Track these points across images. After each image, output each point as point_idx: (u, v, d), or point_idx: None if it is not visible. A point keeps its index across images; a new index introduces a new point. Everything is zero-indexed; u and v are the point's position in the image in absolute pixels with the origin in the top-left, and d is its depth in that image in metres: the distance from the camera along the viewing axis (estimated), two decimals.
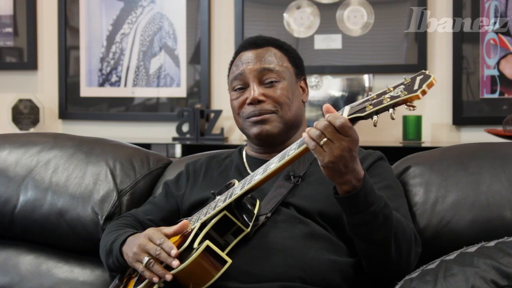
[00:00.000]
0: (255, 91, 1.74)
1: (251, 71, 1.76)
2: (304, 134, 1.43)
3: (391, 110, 1.34)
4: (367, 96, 1.39)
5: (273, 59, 1.78)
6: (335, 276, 1.57)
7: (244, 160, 1.84)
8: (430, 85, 1.32)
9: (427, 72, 1.35)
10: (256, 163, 1.77)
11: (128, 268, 1.70)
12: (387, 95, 1.34)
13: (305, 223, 1.62)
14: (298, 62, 1.84)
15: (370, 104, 1.36)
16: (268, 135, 1.74)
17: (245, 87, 1.77)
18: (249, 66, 1.76)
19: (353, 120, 1.40)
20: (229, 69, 1.86)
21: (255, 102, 1.73)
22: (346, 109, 1.41)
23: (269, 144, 1.78)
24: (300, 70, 1.84)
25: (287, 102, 1.75)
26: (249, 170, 1.78)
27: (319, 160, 1.42)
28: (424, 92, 1.31)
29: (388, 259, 1.54)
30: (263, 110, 1.73)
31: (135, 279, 1.63)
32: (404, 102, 1.33)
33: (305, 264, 1.56)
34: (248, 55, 1.79)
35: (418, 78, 1.34)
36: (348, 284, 1.58)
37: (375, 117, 1.35)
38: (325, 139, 1.39)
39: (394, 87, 1.35)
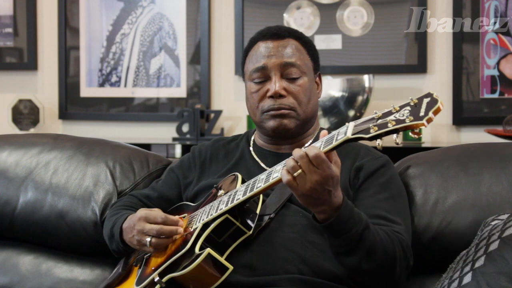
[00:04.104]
0: (277, 84, 1.73)
1: (273, 64, 1.74)
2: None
3: (395, 135, 1.31)
4: (374, 114, 1.36)
5: (295, 52, 1.76)
6: (339, 271, 1.59)
7: (251, 148, 1.84)
8: (436, 112, 1.28)
9: (434, 94, 1.30)
10: (263, 153, 1.80)
11: (131, 251, 1.76)
12: (392, 117, 1.31)
13: (308, 218, 1.63)
14: (316, 55, 1.84)
15: (374, 125, 1.32)
16: (285, 130, 1.75)
17: (265, 79, 1.76)
18: (272, 60, 1.75)
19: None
20: (244, 56, 1.83)
21: (276, 95, 1.73)
22: (350, 127, 1.38)
23: (284, 138, 1.78)
24: (317, 64, 1.84)
25: (305, 100, 1.75)
26: (255, 157, 1.80)
27: (292, 191, 1.43)
28: (430, 120, 1.27)
29: (363, 276, 1.55)
30: (282, 105, 1.73)
31: (139, 271, 1.67)
32: (409, 128, 1.29)
33: (307, 259, 1.59)
34: (269, 47, 1.76)
35: (425, 101, 1.30)
36: (352, 278, 1.60)
37: (379, 141, 1.32)
38: (299, 171, 1.39)
39: (400, 107, 1.32)
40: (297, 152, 1.41)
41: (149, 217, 1.62)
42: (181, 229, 1.61)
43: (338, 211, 1.45)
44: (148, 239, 1.59)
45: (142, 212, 1.66)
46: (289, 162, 1.41)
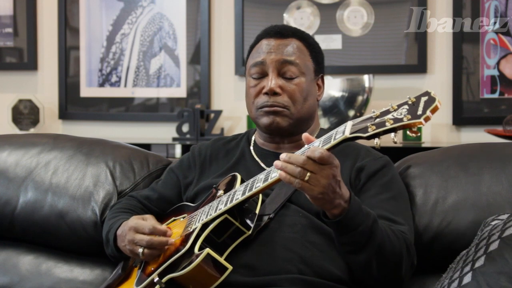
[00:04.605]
0: (272, 81, 1.73)
1: (272, 61, 1.74)
2: (281, 173, 1.41)
3: (392, 134, 1.31)
4: (371, 113, 1.36)
5: (295, 51, 1.76)
6: (339, 271, 1.59)
7: (251, 147, 1.84)
8: (434, 110, 1.28)
9: (432, 93, 1.30)
10: (263, 153, 1.80)
11: (126, 257, 1.76)
12: (390, 116, 1.31)
13: (308, 218, 1.63)
14: (319, 58, 1.82)
15: (372, 124, 1.33)
16: (278, 128, 1.75)
17: (263, 75, 1.76)
18: (271, 56, 1.75)
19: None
20: (249, 52, 1.83)
21: (271, 93, 1.73)
22: (348, 126, 1.38)
23: (279, 135, 1.78)
24: (320, 67, 1.83)
25: (300, 100, 1.74)
26: (255, 157, 1.80)
27: (308, 194, 1.42)
28: (427, 119, 1.28)
29: (372, 276, 1.56)
30: (275, 103, 1.73)
31: (139, 271, 1.67)
32: (407, 127, 1.29)
33: (307, 259, 1.59)
34: (271, 44, 1.77)
35: (423, 100, 1.30)
36: (351, 277, 1.60)
37: (376, 140, 1.33)
38: (308, 174, 1.39)
39: (398, 106, 1.32)
40: (299, 159, 1.40)
41: (138, 228, 1.63)
42: (172, 240, 1.61)
43: (349, 203, 1.46)
44: (140, 250, 1.60)
45: (133, 221, 1.66)
46: (292, 169, 1.39)
